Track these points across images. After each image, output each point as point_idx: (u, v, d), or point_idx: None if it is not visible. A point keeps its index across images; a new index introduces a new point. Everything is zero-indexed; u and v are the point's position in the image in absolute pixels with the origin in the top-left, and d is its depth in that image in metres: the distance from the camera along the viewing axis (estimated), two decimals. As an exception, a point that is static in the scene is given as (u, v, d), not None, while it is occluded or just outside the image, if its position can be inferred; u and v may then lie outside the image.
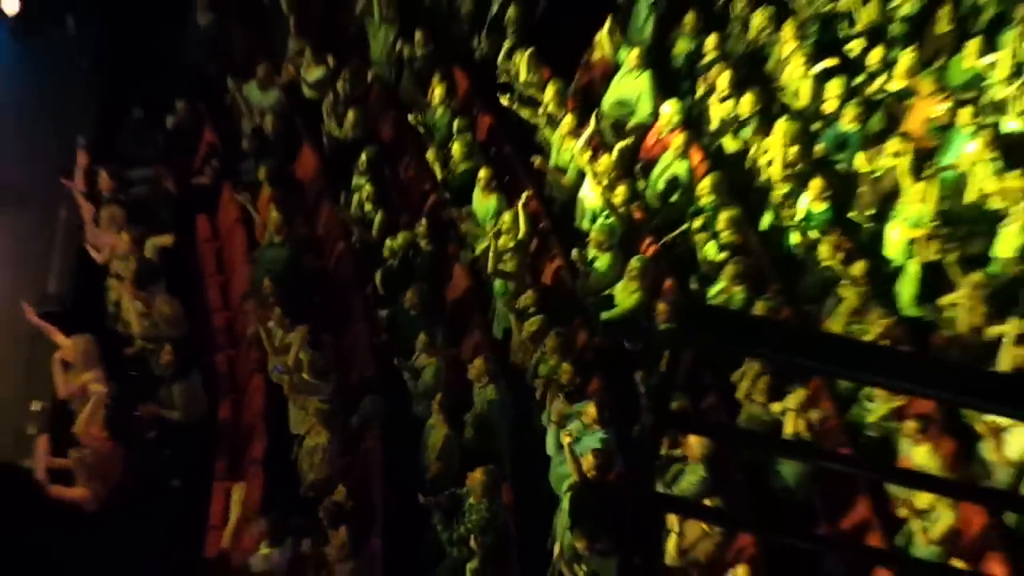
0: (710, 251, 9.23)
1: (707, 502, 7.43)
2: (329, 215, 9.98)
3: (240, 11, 11.59)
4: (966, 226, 9.35)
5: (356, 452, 8.10)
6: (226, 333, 9.36)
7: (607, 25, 10.99)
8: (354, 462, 7.98)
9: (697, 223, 9.44)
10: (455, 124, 10.19)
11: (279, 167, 10.11)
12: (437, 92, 10.57)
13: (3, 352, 9.00)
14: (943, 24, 11.11)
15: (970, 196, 9.52)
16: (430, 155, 10.25)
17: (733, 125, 10.23)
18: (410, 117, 10.70)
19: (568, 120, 10.12)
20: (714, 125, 10.36)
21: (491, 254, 9.19)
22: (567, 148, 10.07)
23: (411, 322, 8.85)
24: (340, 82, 10.64)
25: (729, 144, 10.22)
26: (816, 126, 10.25)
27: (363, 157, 9.77)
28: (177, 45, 11.49)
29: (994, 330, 8.37)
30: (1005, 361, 8.14)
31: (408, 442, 8.27)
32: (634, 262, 8.84)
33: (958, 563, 7.01)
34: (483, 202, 9.65)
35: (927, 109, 10.19)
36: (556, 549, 7.53)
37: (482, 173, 9.70)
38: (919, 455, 7.69)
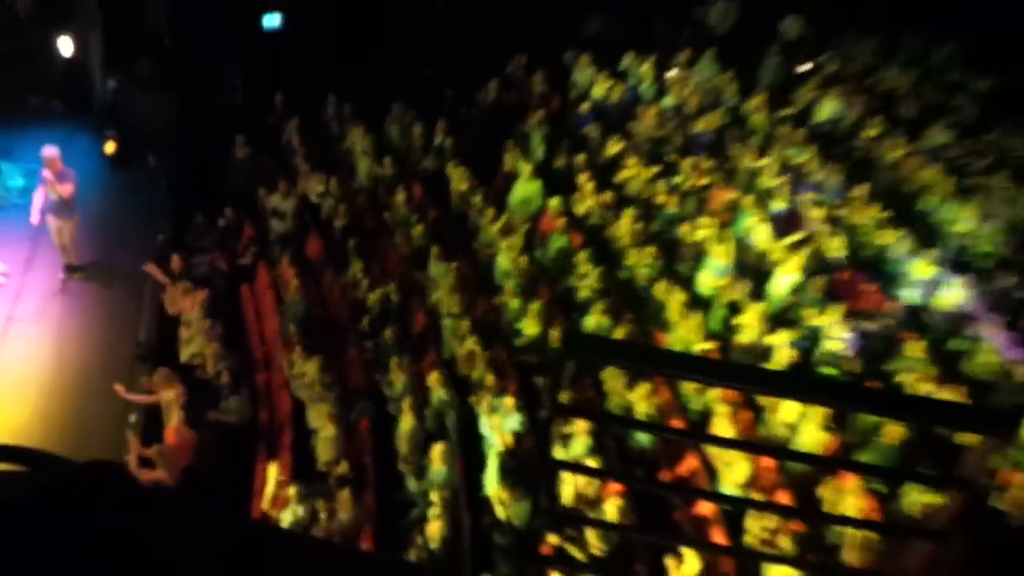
0: (585, 294, 9.42)
1: (590, 462, 7.60)
2: (331, 280, 10.09)
3: (266, 147, 11.73)
4: (751, 273, 9.64)
5: (353, 439, 8.18)
6: (263, 362, 9.41)
7: (510, 149, 11.30)
8: (352, 445, 8.06)
9: (577, 277, 9.66)
10: (413, 218, 10.35)
11: (296, 250, 10.23)
12: (400, 198, 10.74)
13: (110, 382, 8.96)
14: (731, 139, 11.55)
15: (752, 254, 9.83)
16: (398, 239, 10.41)
17: (597, 212, 10.50)
18: (385, 215, 10.91)
19: (489, 212, 10.34)
20: (583, 211, 10.63)
21: (442, 302, 9.37)
22: (489, 230, 10.30)
23: (388, 349, 8.98)
24: (336, 193, 10.80)
25: (597, 224, 10.47)
26: (652, 211, 10.57)
27: (351, 243, 9.91)
28: (224, 170, 11.58)
29: (772, 338, 8.61)
30: (778, 360, 8.36)
31: (388, 431, 8.36)
32: (534, 305, 9.02)
33: (757, 495, 7.23)
34: (436, 268, 9.80)
35: (723, 196, 10.55)
36: (491, 496, 7.65)
37: (434, 250, 9.88)
38: (724, 425, 7.85)
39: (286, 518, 7.29)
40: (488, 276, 10.10)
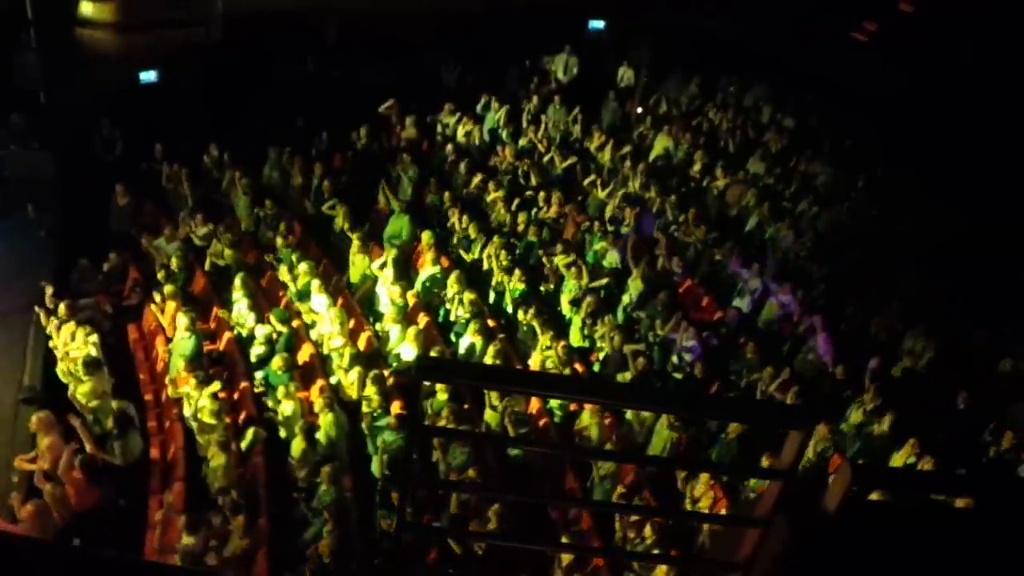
0: (460, 318, 9.41)
1: (471, 471, 7.54)
2: (218, 317, 9.66)
3: (149, 193, 11.19)
4: (603, 291, 9.87)
5: (246, 466, 7.83)
6: (154, 400, 8.89)
7: (383, 188, 11.22)
8: (245, 472, 7.71)
9: (451, 302, 9.64)
10: (295, 255, 10.08)
11: (183, 288, 9.75)
12: (280, 239, 10.43)
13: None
14: (580, 175, 11.83)
15: (604, 273, 10.07)
16: (281, 273, 10.11)
17: (465, 242, 10.53)
18: (267, 257, 10.56)
19: (361, 245, 10.19)
20: (455, 241, 10.63)
21: (325, 334, 9.14)
22: (365, 263, 10.15)
23: (277, 378, 8.67)
24: (219, 234, 10.40)
25: (464, 255, 10.50)
26: (514, 240, 10.69)
27: (236, 280, 9.55)
28: (106, 216, 10.96)
29: (626, 348, 8.75)
30: (632, 370, 8.50)
31: (280, 456, 8.06)
32: (411, 330, 8.95)
33: (621, 488, 7.31)
34: (318, 302, 9.51)
35: (574, 225, 10.79)
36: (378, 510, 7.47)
37: (315, 283, 9.63)
38: (590, 424, 7.95)
39: (179, 549, 6.87)
40: (370, 305, 9.92)
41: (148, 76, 12.42)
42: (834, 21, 15.09)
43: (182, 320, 8.83)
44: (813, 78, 14.19)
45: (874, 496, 2.62)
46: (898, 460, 7.41)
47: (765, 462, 6.89)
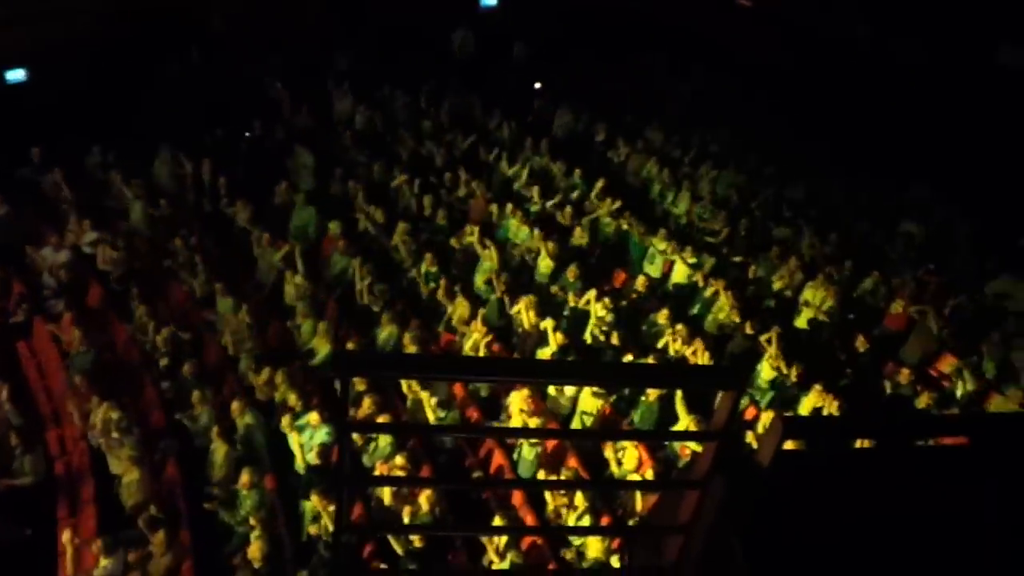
0: (376, 307, 9.22)
1: (398, 459, 7.40)
2: (117, 326, 9.17)
3: (29, 201, 10.49)
4: (516, 268, 9.86)
5: (161, 478, 7.49)
6: (52, 418, 8.38)
7: (282, 181, 10.85)
8: (160, 486, 7.38)
9: (361, 292, 9.44)
10: (196, 257, 9.66)
11: (76, 300, 9.21)
12: (178, 240, 9.97)
13: None
14: (483, 154, 11.75)
15: (517, 253, 10.05)
16: (183, 277, 9.68)
17: (374, 230, 10.31)
18: (165, 262, 10.09)
19: (266, 238, 9.87)
20: (364, 229, 10.39)
21: (233, 335, 8.82)
22: (271, 259, 9.82)
23: (187, 385, 8.31)
24: (110, 239, 9.86)
25: (374, 241, 10.28)
26: (422, 224, 10.53)
27: (134, 289, 9.10)
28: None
29: (543, 324, 8.76)
30: (551, 344, 8.54)
31: (196, 465, 7.74)
32: (322, 324, 8.72)
33: (543, 473, 7.35)
34: (224, 303, 9.19)
35: (482, 205, 10.72)
36: (306, 510, 7.28)
37: (218, 285, 9.26)
38: (515, 403, 7.90)
39: (97, 575, 6.52)
40: (278, 297, 9.61)
41: (16, 75, 11.59)
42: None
43: (78, 333, 8.37)
44: (707, 44, 14.50)
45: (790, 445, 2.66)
46: (807, 406, 7.71)
47: (687, 422, 7.07)
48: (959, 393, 7.89)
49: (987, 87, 11.66)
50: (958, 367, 8.15)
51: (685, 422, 7.12)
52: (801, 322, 9.06)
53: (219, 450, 7.61)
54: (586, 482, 7.21)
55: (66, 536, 6.57)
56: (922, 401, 7.67)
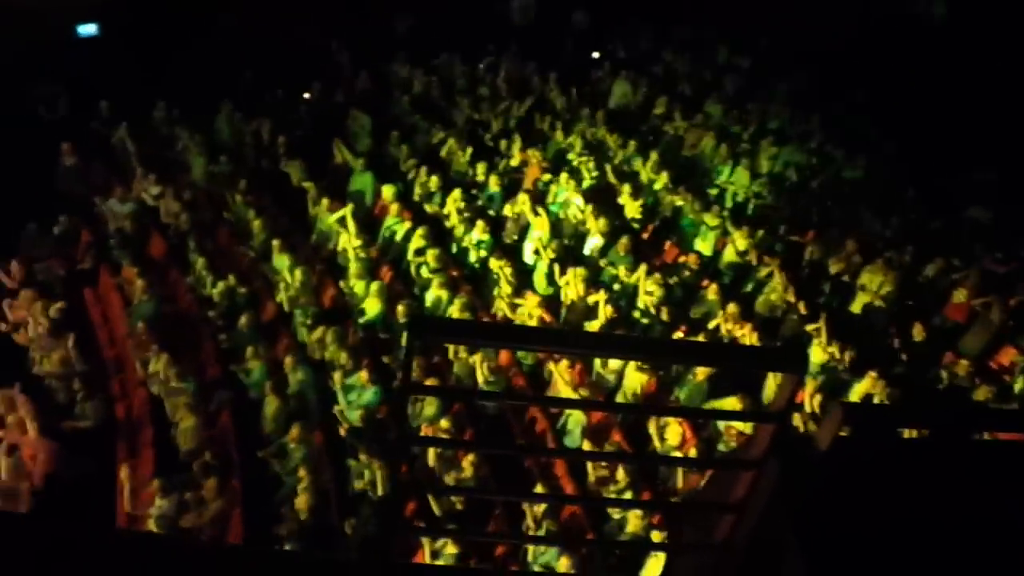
0: (424, 272, 9.26)
1: (443, 422, 7.47)
2: (177, 278, 9.41)
3: (97, 152, 10.75)
4: (568, 239, 9.80)
5: (215, 428, 7.71)
6: (114, 363, 8.66)
7: (338, 143, 10.89)
8: (214, 434, 7.59)
9: (414, 257, 9.49)
10: (252, 213, 9.82)
11: (138, 251, 9.46)
12: (239, 196, 10.13)
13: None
14: (539, 122, 11.65)
15: (569, 224, 9.98)
16: (240, 233, 9.85)
17: (427, 195, 10.34)
18: (225, 213, 10.28)
19: (325, 202, 9.97)
20: (417, 196, 10.44)
21: (288, 292, 8.96)
22: (327, 220, 9.93)
23: (242, 339, 8.51)
24: (173, 193, 10.07)
25: (427, 208, 10.31)
26: (475, 191, 10.53)
27: (193, 241, 9.29)
28: (52, 178, 10.51)
29: (591, 298, 8.73)
30: (601, 317, 8.48)
31: (249, 417, 7.93)
32: (375, 285, 8.80)
33: (587, 444, 7.35)
34: (280, 260, 9.34)
35: (535, 174, 10.64)
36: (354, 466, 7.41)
37: (275, 242, 9.40)
38: (562, 381, 7.93)
39: (153, 514, 6.77)
40: (333, 261, 9.72)
41: (87, 29, 11.82)
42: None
43: (140, 283, 8.59)
44: (768, 20, 14.09)
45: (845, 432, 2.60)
46: (858, 392, 7.55)
47: (733, 401, 6.99)
48: (1019, 388, 7.64)
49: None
50: (1018, 362, 7.89)
51: (733, 402, 7.05)
52: (857, 307, 8.84)
53: (271, 404, 7.79)
54: (636, 455, 7.19)
55: (124, 475, 6.81)
56: (980, 394, 7.45)
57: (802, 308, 8.33)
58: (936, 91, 12.17)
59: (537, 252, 9.42)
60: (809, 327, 8.05)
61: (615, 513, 6.68)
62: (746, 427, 6.61)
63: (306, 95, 12.06)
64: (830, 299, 8.86)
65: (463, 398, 7.80)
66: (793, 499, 2.28)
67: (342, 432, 7.65)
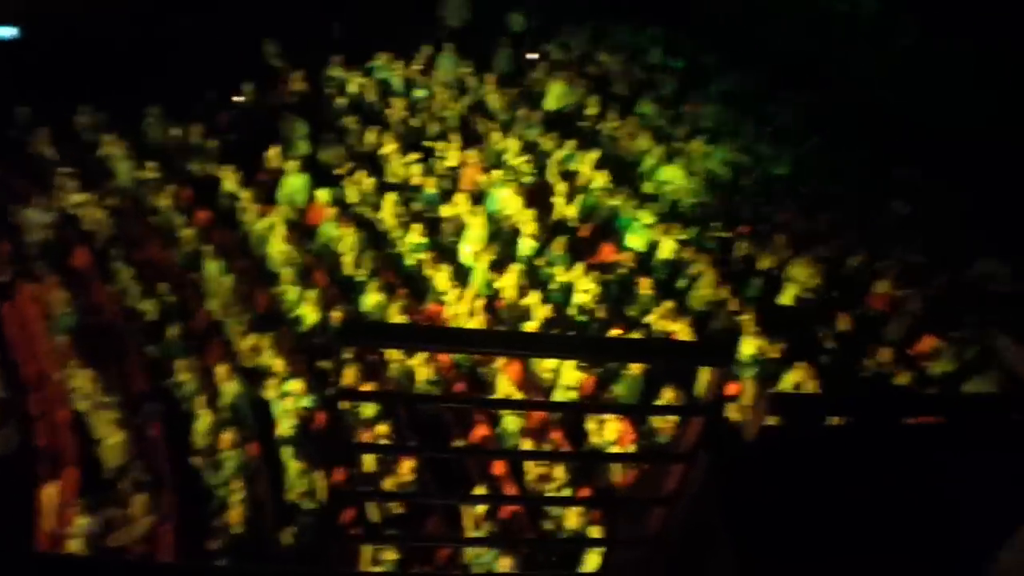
0: (360, 275, 9.12)
1: (381, 427, 7.34)
2: (102, 289, 9.04)
3: (14, 160, 10.28)
4: (504, 239, 9.76)
5: (144, 442, 7.42)
6: (36, 379, 8.27)
7: (273, 150, 10.63)
8: (143, 449, 7.31)
9: (348, 260, 9.33)
10: (179, 220, 9.52)
11: (60, 262, 9.06)
12: (166, 200, 9.83)
13: None
14: (476, 123, 11.58)
15: (506, 222, 9.94)
16: (169, 241, 9.53)
17: (363, 199, 10.17)
18: (150, 219, 9.95)
19: (257, 208, 9.72)
20: (352, 200, 10.25)
21: (219, 300, 8.71)
22: (260, 225, 9.68)
23: (172, 350, 8.22)
24: (98, 201, 9.69)
25: (363, 210, 10.15)
26: (412, 193, 10.41)
27: (119, 250, 8.95)
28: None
29: (526, 300, 8.69)
30: (538, 316, 8.49)
31: (181, 428, 7.67)
32: (309, 292, 8.62)
33: (528, 443, 7.32)
34: (211, 266, 9.09)
35: (473, 175, 10.58)
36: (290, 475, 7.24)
37: (206, 248, 9.15)
38: (503, 383, 7.90)
39: (76, 534, 6.46)
40: (264, 269, 9.49)
41: (6, 32, 11.32)
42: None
43: (62, 295, 8.23)
44: (702, 20, 14.33)
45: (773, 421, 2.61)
46: (788, 382, 7.70)
47: (670, 395, 7.04)
48: (938, 373, 7.89)
49: (982, 67, 11.56)
50: (938, 348, 8.15)
51: (668, 396, 7.10)
52: (787, 299, 9.02)
53: (203, 416, 7.55)
54: (571, 453, 7.19)
55: (47, 495, 6.51)
56: (902, 381, 7.66)
57: (734, 303, 8.46)
58: (861, 90, 12.52)
59: (475, 254, 9.36)
60: (741, 318, 8.18)
61: (555, 511, 6.66)
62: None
63: (238, 98, 11.74)
64: (760, 292, 9.02)
65: (396, 402, 7.70)
66: (722, 489, 2.27)
67: (280, 438, 7.45)
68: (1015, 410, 2.58)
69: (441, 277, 8.85)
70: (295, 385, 7.63)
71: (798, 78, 12.97)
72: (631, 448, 6.90)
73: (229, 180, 10.14)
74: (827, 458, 2.31)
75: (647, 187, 10.87)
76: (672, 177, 10.83)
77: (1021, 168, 9.99)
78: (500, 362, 7.88)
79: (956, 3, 12.02)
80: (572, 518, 6.29)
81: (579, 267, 8.89)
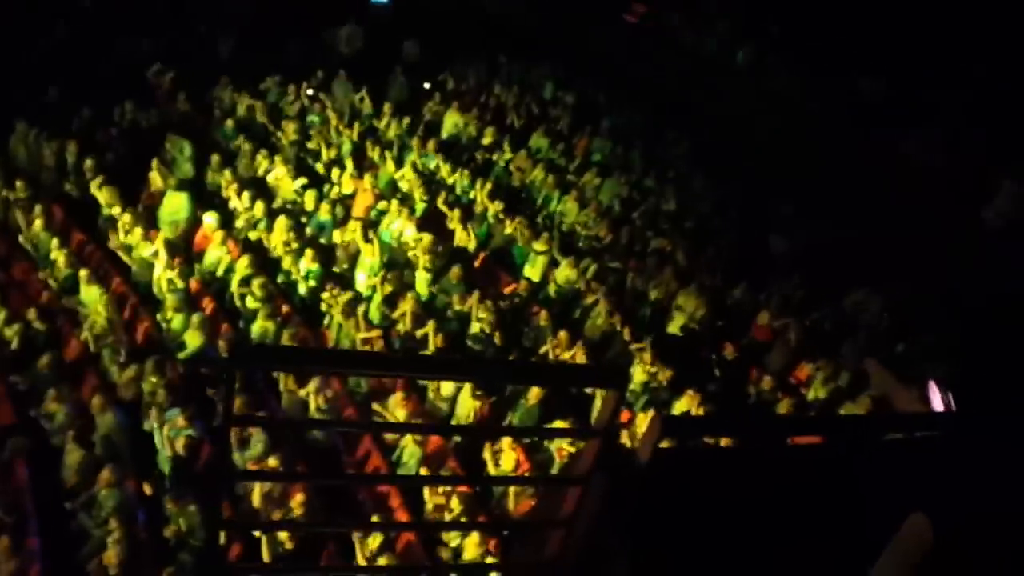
0: (250, 303, 8.86)
1: (271, 460, 7.13)
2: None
3: None
4: (400, 269, 9.74)
5: (8, 480, 6.92)
6: None
7: (156, 166, 10.25)
8: (6, 487, 6.82)
9: (237, 287, 9.07)
10: (54, 242, 9.02)
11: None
12: (38, 221, 9.30)
13: None
14: (370, 150, 11.51)
15: (400, 252, 9.91)
16: (40, 264, 9.01)
17: (252, 224, 9.93)
18: (20, 238, 9.39)
19: (139, 231, 9.32)
20: (240, 224, 9.99)
21: (95, 329, 8.28)
22: (141, 247, 9.29)
23: (42, 380, 7.73)
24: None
25: (252, 235, 9.90)
26: (304, 219, 10.25)
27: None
28: None
29: (420, 331, 8.68)
30: (431, 347, 8.49)
31: (50, 466, 7.20)
32: (195, 317, 8.34)
33: (424, 470, 7.27)
34: (87, 291, 8.62)
35: (367, 201, 10.51)
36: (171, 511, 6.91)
37: (83, 272, 8.69)
38: (397, 410, 7.83)
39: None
40: (148, 293, 9.09)
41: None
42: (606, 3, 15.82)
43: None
44: (593, 58, 14.86)
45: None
46: (677, 409, 7.99)
47: (561, 423, 7.18)
48: (812, 397, 8.39)
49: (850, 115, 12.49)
50: (813, 375, 8.67)
51: (561, 423, 7.24)
52: (674, 328, 9.38)
53: (74, 452, 7.13)
54: (467, 477, 7.19)
55: None
56: (783, 406, 8.09)
57: (626, 333, 8.73)
58: (742, 130, 13.27)
59: (372, 286, 9.26)
60: (633, 346, 8.45)
61: (452, 541, 6.63)
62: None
63: (118, 117, 11.26)
64: (650, 322, 9.35)
65: (290, 428, 7.51)
66: (618, 510, 2.36)
67: (159, 473, 7.12)
68: (883, 429, 2.80)
69: (335, 305, 8.70)
70: (177, 416, 7.31)
71: (681, 116, 13.64)
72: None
73: (108, 201, 9.67)
74: (718, 477, 2.43)
75: (540, 217, 11.11)
76: (566, 209, 11.11)
77: (885, 203, 10.79)
78: (397, 395, 7.82)
79: (828, 46, 12.97)
80: (471, 548, 6.28)
81: (475, 295, 8.96)
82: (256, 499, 6.88)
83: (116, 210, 9.52)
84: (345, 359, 2.93)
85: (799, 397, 8.46)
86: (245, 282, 8.96)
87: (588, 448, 2.41)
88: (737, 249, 11.08)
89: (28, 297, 8.75)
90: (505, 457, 7.17)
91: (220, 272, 9.28)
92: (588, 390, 8.14)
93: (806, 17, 13.84)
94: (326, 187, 10.67)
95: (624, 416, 8.04)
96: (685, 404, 7.88)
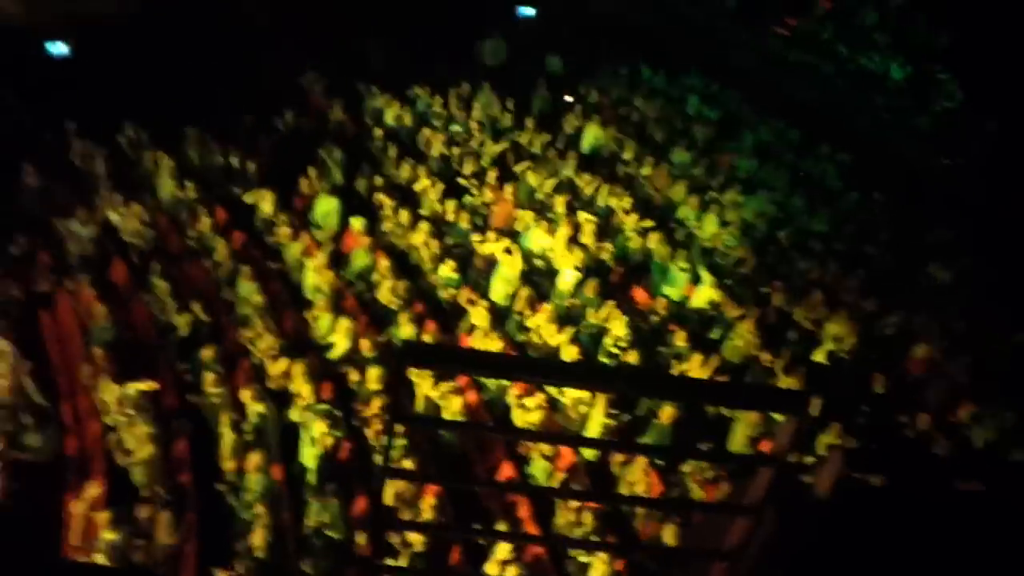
0: (393, 304, 9.15)
1: (406, 463, 7.31)
2: (138, 303, 9.16)
3: (60, 173, 10.52)
4: (542, 277, 9.82)
5: (171, 459, 7.45)
6: (68, 388, 8.35)
7: (309, 172, 10.80)
8: (170, 466, 7.34)
9: (385, 289, 9.37)
10: (218, 241, 9.66)
11: (98, 275, 9.21)
12: (205, 220, 10.01)
13: None
14: (511, 162, 11.72)
15: (539, 264, 9.98)
16: (205, 261, 9.68)
17: (398, 230, 10.28)
18: (189, 241, 10.11)
19: (290, 231, 9.83)
20: (387, 228, 10.36)
21: (253, 320, 8.78)
22: (293, 249, 9.80)
23: (202, 368, 8.29)
24: (137, 217, 9.86)
25: (397, 241, 10.24)
26: (444, 227, 10.51)
27: (156, 266, 9.10)
28: (12, 197, 10.25)
29: (555, 339, 8.70)
30: (564, 358, 8.43)
31: (208, 448, 7.70)
32: (342, 319, 8.67)
33: (559, 475, 7.24)
34: (245, 287, 9.19)
35: (506, 212, 10.66)
36: (311, 503, 7.21)
37: (243, 269, 9.26)
38: (530, 415, 7.84)
39: (100, 547, 6.48)
40: (297, 293, 9.57)
41: (58, 48, 11.64)
42: (758, 16, 15.42)
43: (99, 308, 8.35)
44: (737, 72, 14.51)
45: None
46: (823, 444, 7.60)
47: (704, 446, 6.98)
48: (978, 441, 7.79)
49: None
50: (977, 414, 8.05)
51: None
52: (820, 355, 8.95)
53: (228, 436, 7.57)
54: (618, 495, 7.05)
55: (74, 507, 6.54)
56: (940, 447, 7.56)
57: (768, 359, 8.42)
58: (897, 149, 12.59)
59: (509, 295, 9.37)
60: (779, 374, 8.11)
61: (580, 557, 6.58)
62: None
63: (278, 125, 11.98)
64: (796, 347, 8.96)
65: (453, 427, 7.62)
66: (791, 547, 2.26)
67: (304, 465, 7.46)
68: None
69: (478, 312, 8.83)
70: (324, 410, 7.63)
71: (832, 133, 13.07)
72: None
73: (266, 203, 10.28)
74: (902, 519, 2.29)
75: (680, 234, 10.90)
76: (706, 226, 10.85)
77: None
78: (534, 411, 7.83)
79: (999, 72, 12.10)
80: (598, 567, 6.20)
81: (610, 306, 8.89)
82: (389, 498, 7.06)
83: (273, 211, 10.11)
84: (506, 364, 2.95)
85: (959, 438, 7.87)
86: (390, 286, 9.23)
87: (760, 478, 2.33)
88: (892, 276, 10.46)
89: (195, 290, 9.39)
90: (637, 477, 7.05)
91: (365, 274, 9.61)
92: (725, 412, 7.93)
93: (972, 30, 12.97)
94: (466, 197, 10.88)
95: (761, 446, 7.74)
96: (830, 439, 7.49)
